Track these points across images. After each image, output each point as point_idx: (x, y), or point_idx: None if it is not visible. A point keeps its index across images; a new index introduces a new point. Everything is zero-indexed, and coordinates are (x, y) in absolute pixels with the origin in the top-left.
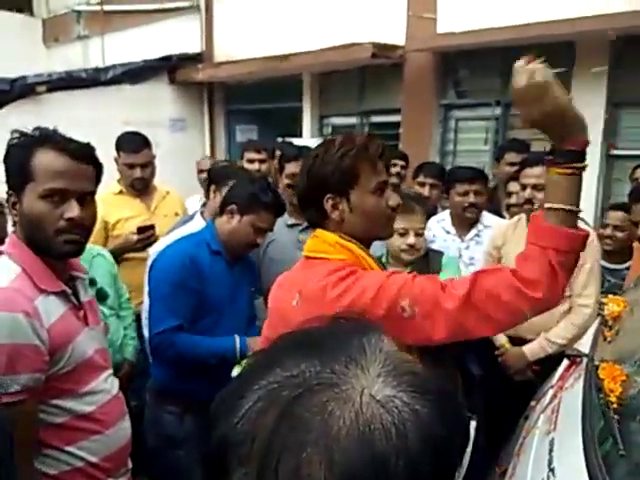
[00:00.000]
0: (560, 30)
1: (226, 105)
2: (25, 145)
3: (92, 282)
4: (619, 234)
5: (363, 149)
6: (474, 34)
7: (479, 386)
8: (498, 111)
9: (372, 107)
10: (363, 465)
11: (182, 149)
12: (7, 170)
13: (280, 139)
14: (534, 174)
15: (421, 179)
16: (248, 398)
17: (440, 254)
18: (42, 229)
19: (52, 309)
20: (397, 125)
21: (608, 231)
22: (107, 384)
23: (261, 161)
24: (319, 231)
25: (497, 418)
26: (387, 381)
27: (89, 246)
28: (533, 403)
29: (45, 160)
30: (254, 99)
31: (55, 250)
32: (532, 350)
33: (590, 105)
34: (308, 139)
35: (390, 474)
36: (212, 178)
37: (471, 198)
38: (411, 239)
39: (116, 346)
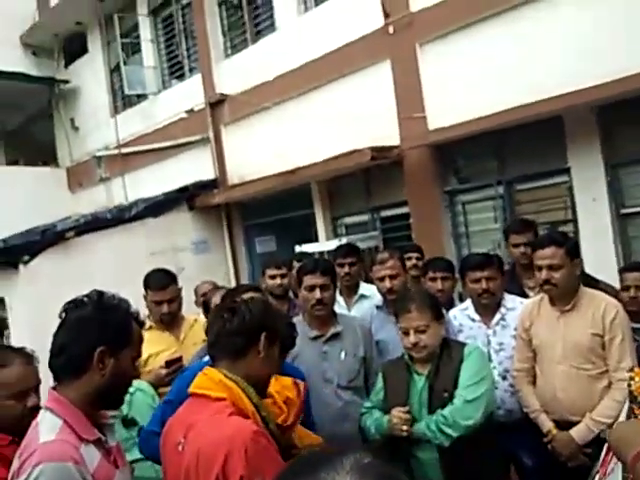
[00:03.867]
0: (545, 108)
1: (243, 221)
2: (123, 311)
3: (133, 422)
4: None
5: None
6: (463, 125)
7: (533, 475)
8: (501, 189)
9: (380, 203)
10: None
11: (206, 268)
12: (105, 328)
13: (297, 246)
14: (546, 255)
15: (431, 275)
16: None
17: (462, 345)
18: (125, 387)
19: (93, 456)
20: (407, 216)
21: (631, 293)
22: None
23: (282, 276)
24: (208, 369)
25: None
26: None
27: None
28: None
29: (137, 331)
30: (269, 212)
31: (119, 403)
32: (579, 433)
33: (590, 170)
34: (324, 242)
35: None
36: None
37: (484, 284)
38: (412, 338)
39: None
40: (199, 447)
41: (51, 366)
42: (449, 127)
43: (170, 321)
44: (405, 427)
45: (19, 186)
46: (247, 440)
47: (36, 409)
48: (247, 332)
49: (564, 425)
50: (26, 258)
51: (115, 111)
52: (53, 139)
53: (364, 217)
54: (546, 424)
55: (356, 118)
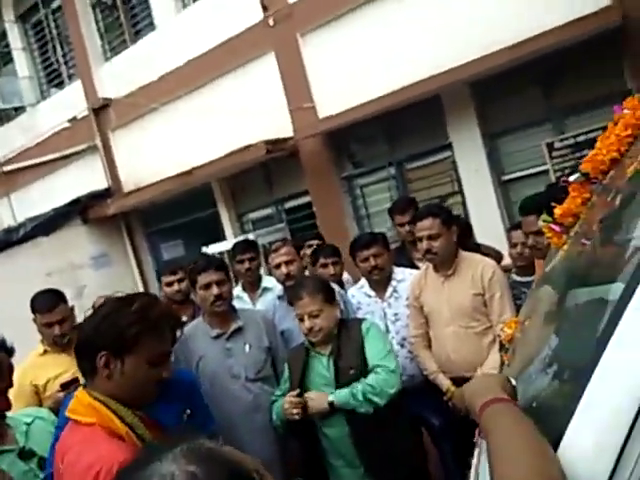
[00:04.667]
0: (423, 89)
1: (146, 229)
2: None
3: (31, 454)
4: (527, 250)
5: (155, 320)
6: (352, 111)
7: (443, 433)
8: (392, 170)
9: (283, 195)
10: None
11: (110, 283)
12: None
13: (205, 247)
14: (425, 227)
15: (322, 261)
16: None
17: (358, 321)
18: None
19: None
20: (310, 205)
21: (518, 249)
22: None
23: (179, 281)
24: (80, 390)
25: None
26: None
27: (22, 413)
28: (475, 440)
29: (5, 360)
30: (172, 216)
31: None
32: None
33: (469, 143)
34: (232, 240)
35: None
36: None
37: (372, 262)
38: (307, 323)
39: None
40: (70, 476)
41: None
42: (338, 114)
43: (65, 342)
44: (296, 411)
45: None
46: (110, 468)
47: None
48: (83, 355)
49: (461, 382)
50: None
51: None
52: None
53: (269, 210)
54: (444, 383)
55: (247, 112)
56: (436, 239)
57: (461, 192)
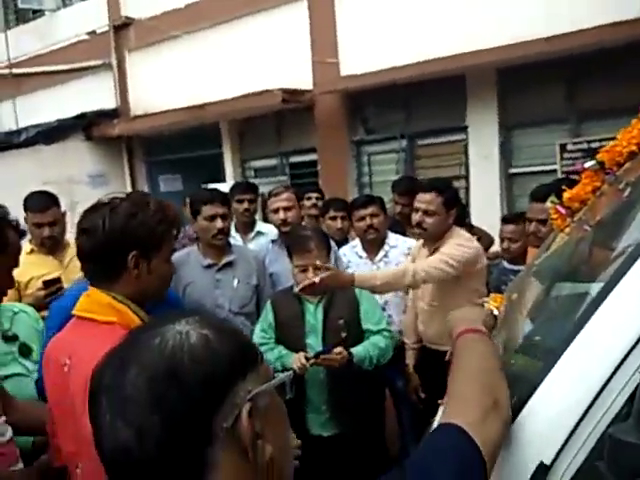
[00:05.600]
0: (450, 65)
1: (146, 157)
2: None
3: (14, 337)
4: (513, 245)
5: (172, 219)
6: (374, 75)
7: (405, 397)
8: (404, 143)
9: (290, 148)
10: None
11: None
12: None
13: (204, 185)
14: (425, 200)
15: (332, 214)
16: None
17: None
18: None
19: None
20: (315, 163)
21: (505, 244)
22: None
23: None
24: (92, 290)
25: None
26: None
27: (10, 304)
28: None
29: (14, 239)
30: (174, 149)
31: None
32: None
33: (485, 130)
34: (231, 183)
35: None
36: None
37: (368, 221)
38: (310, 275)
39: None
40: (87, 372)
41: None
42: (360, 75)
43: (53, 245)
44: (301, 372)
45: None
46: None
47: None
48: (104, 257)
49: (431, 353)
50: None
51: (6, 26)
52: None
53: (273, 161)
54: (409, 360)
55: (269, 57)
56: (431, 216)
57: (467, 177)
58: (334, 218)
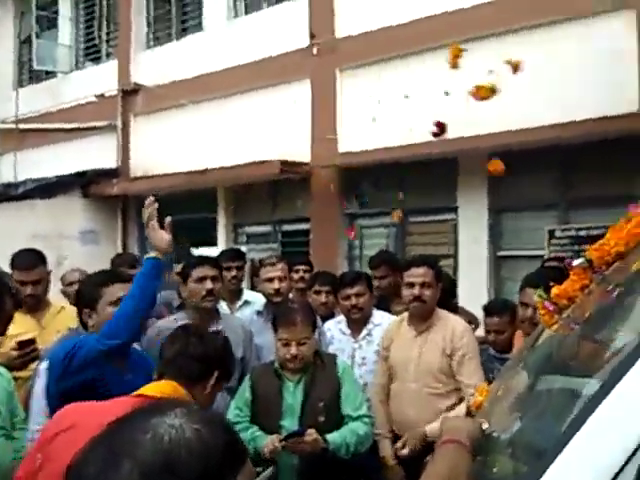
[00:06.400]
0: (443, 148)
1: (140, 217)
2: None
3: None
4: (500, 337)
5: None
6: (371, 153)
7: None
8: (396, 219)
9: (283, 217)
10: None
11: (92, 261)
12: None
13: (195, 249)
14: (420, 273)
15: (317, 288)
16: None
17: (333, 357)
18: None
19: None
20: (307, 232)
21: (491, 337)
22: None
23: None
24: (169, 382)
25: None
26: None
27: None
28: None
29: (9, 306)
30: (169, 210)
31: None
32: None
33: (475, 211)
34: (222, 248)
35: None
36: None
37: (353, 300)
38: (293, 350)
39: (3, 469)
40: None
41: None
42: (358, 152)
43: (33, 304)
44: (272, 455)
45: None
46: None
47: None
48: (206, 363)
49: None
50: None
51: (19, 84)
52: None
53: (266, 228)
54: (384, 450)
55: (270, 130)
56: (428, 288)
57: (455, 256)
58: (319, 292)
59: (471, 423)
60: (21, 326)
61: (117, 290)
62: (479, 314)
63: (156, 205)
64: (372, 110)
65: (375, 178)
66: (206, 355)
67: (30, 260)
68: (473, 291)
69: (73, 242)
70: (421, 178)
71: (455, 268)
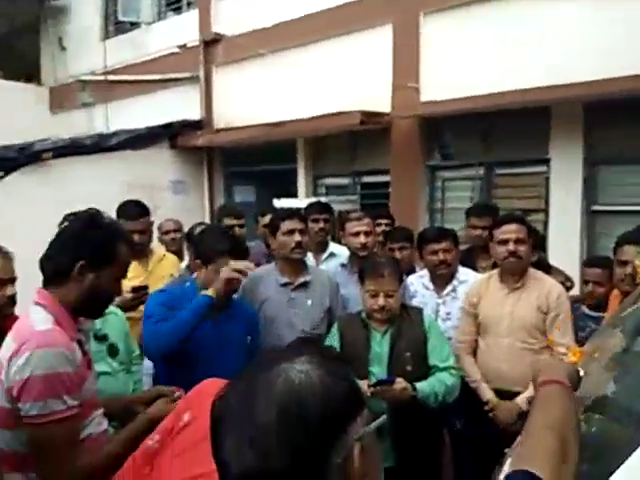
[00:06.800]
0: (536, 97)
1: (225, 168)
2: (109, 232)
3: (104, 337)
4: (599, 289)
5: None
6: (455, 102)
7: (464, 439)
8: (482, 171)
9: (363, 168)
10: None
11: (182, 210)
12: (86, 244)
13: (276, 200)
14: (513, 230)
15: (389, 245)
16: None
17: (420, 310)
18: (103, 301)
19: (77, 352)
20: (387, 185)
21: (589, 287)
22: (100, 419)
23: (240, 226)
24: None
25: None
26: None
27: None
28: (507, 450)
29: (124, 252)
30: (251, 162)
31: (97, 315)
32: (524, 402)
33: (568, 164)
34: (303, 199)
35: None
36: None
37: (440, 256)
38: (381, 301)
39: None
40: None
41: (42, 268)
42: (441, 101)
43: (140, 252)
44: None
45: None
46: None
47: (13, 300)
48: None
49: (502, 395)
50: (0, 174)
51: (105, 36)
52: (38, 56)
53: (345, 180)
54: (487, 393)
55: (350, 79)
56: (522, 244)
57: (546, 211)
58: (392, 250)
59: (568, 366)
60: (131, 271)
61: (227, 262)
62: (570, 270)
63: None
64: (457, 56)
65: (460, 128)
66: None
67: (137, 210)
68: (564, 247)
69: (164, 192)
70: (509, 128)
71: (545, 223)
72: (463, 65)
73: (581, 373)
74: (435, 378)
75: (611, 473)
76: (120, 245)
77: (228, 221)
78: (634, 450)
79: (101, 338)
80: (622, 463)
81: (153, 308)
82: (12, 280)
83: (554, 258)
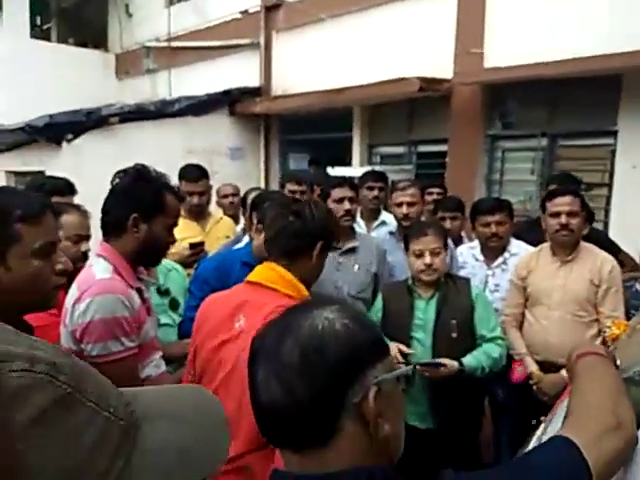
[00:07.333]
0: (605, 64)
1: (281, 135)
2: (156, 184)
3: (167, 292)
4: None
5: None
6: (520, 68)
7: (504, 409)
8: (544, 142)
9: (420, 137)
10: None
11: (239, 175)
12: (136, 197)
13: (330, 168)
14: (566, 202)
15: (440, 214)
16: None
17: (467, 280)
18: (158, 249)
19: (135, 299)
20: (444, 154)
21: None
22: (158, 362)
23: (302, 192)
24: (273, 265)
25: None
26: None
27: (165, 261)
28: (543, 418)
29: (172, 201)
30: (307, 129)
31: (155, 263)
32: None
33: (637, 137)
34: (357, 168)
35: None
36: (253, 205)
37: (493, 228)
38: (427, 259)
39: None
40: None
41: (102, 224)
42: (506, 68)
43: (199, 213)
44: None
45: (67, 65)
46: None
47: (86, 256)
48: (306, 236)
49: (548, 367)
50: (70, 136)
51: (170, 2)
52: (105, 23)
53: (401, 149)
54: (532, 366)
55: (410, 45)
56: (575, 217)
57: (610, 185)
58: (443, 219)
59: (605, 350)
60: (189, 231)
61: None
62: (631, 248)
63: None
64: (523, 22)
65: (523, 97)
66: (305, 230)
67: (197, 173)
68: (627, 222)
69: (222, 157)
70: (576, 98)
71: (608, 198)
72: (530, 31)
73: (618, 362)
74: (482, 351)
75: None
76: (167, 195)
77: (290, 187)
78: None
79: (164, 292)
80: None
81: (207, 273)
82: (87, 237)
83: (615, 234)
